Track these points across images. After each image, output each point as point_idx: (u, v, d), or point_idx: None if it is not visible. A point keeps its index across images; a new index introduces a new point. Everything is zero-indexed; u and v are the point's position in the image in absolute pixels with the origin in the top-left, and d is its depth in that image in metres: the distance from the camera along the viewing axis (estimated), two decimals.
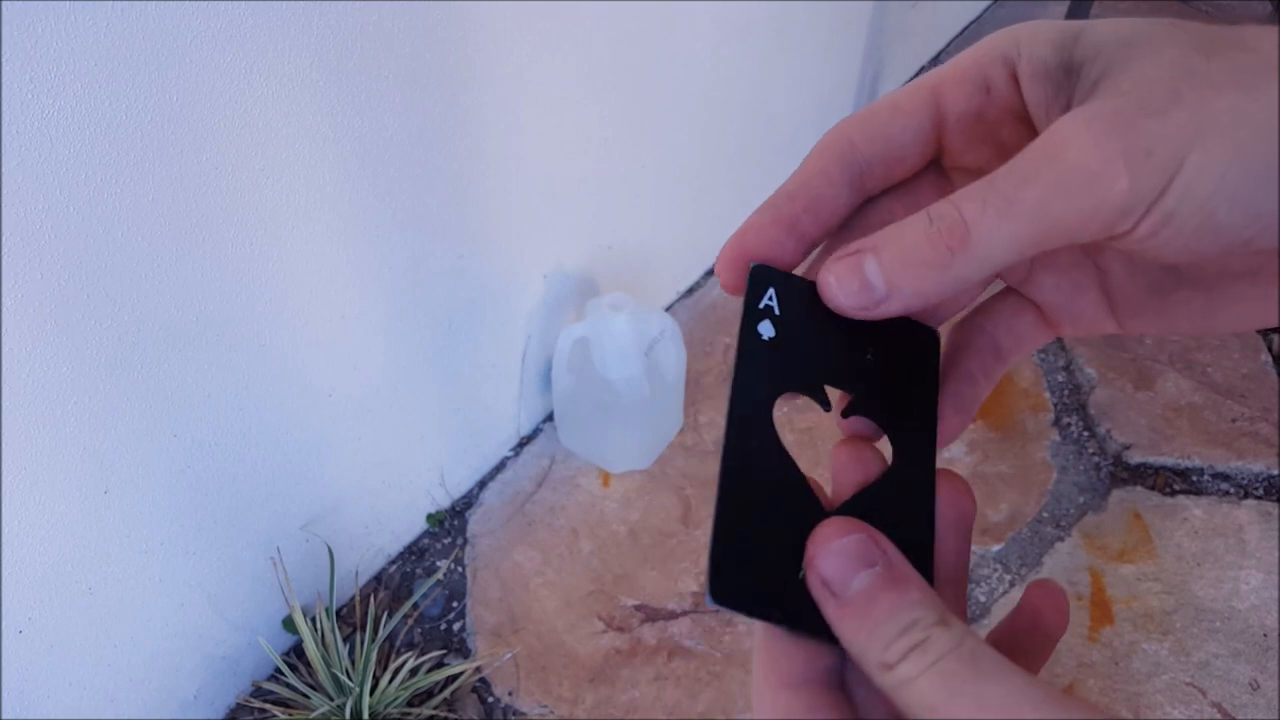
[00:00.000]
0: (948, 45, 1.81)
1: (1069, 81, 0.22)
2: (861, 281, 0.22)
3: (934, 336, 0.26)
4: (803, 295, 0.24)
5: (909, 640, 0.19)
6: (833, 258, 0.23)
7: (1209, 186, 0.20)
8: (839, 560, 0.21)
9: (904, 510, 0.23)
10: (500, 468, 1.25)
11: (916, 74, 1.76)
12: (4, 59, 0.57)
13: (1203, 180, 0.20)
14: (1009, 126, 0.24)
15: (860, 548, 0.21)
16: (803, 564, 0.21)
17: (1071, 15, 1.35)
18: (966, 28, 1.84)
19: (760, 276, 0.24)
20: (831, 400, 0.25)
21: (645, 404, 1.14)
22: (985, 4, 1.88)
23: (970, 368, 0.27)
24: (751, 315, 0.24)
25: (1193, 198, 0.20)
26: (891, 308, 0.23)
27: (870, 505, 0.23)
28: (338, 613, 1.10)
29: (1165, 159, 0.20)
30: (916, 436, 0.24)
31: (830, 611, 0.21)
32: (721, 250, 0.25)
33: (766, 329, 0.24)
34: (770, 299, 0.24)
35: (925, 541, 0.23)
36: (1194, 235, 0.21)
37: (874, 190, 0.25)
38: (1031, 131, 0.23)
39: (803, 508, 0.23)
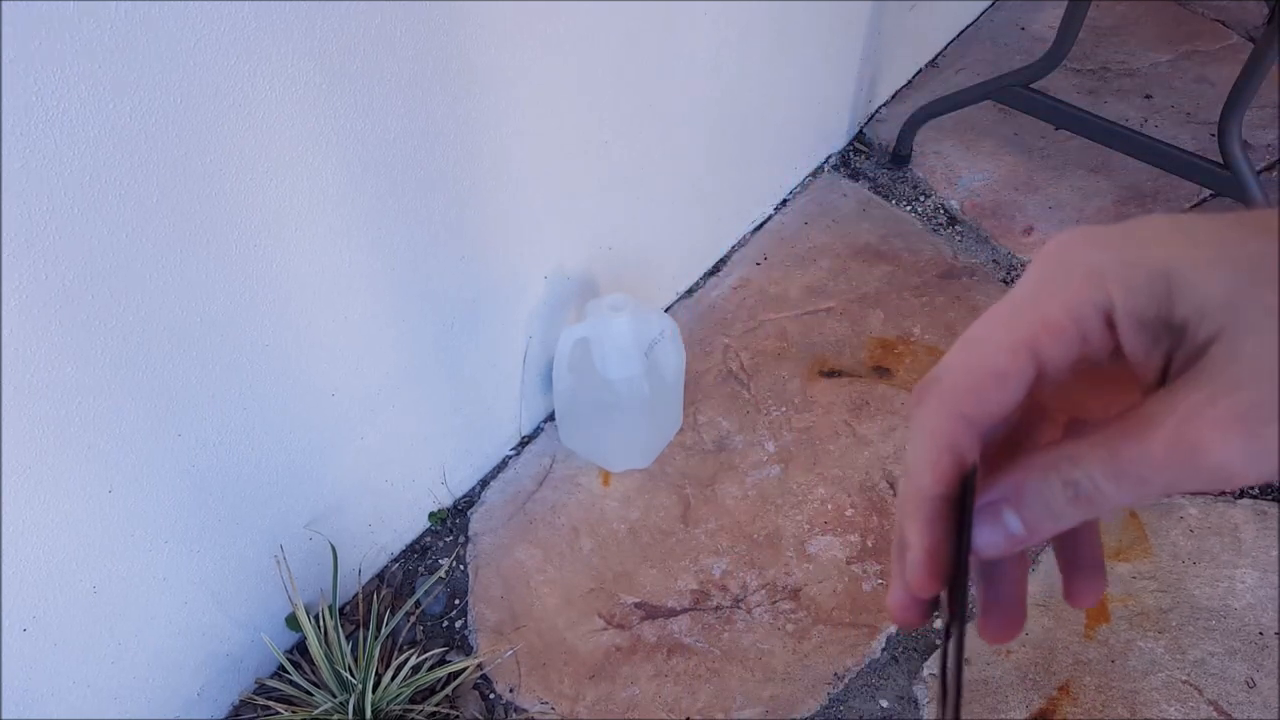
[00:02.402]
0: (946, 47, 1.82)
1: (1170, 335, 0.23)
2: (1005, 534, 0.25)
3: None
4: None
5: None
6: (976, 512, 0.25)
7: None
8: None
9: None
10: (502, 467, 1.26)
11: (915, 75, 1.77)
12: (8, 60, 0.57)
13: None
14: (1102, 358, 0.25)
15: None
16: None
17: (1069, 17, 1.36)
18: (964, 29, 1.85)
19: (970, 486, 0.25)
20: None
21: (645, 404, 1.14)
22: (983, 6, 1.88)
23: (1087, 549, 0.30)
24: (967, 533, 0.25)
25: None
26: (1029, 545, 0.25)
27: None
28: (341, 610, 1.10)
29: None
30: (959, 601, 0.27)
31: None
32: (914, 581, 0.27)
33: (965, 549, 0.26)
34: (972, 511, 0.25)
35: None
36: None
37: (987, 430, 0.27)
38: (1122, 358, 0.25)
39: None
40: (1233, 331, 0.22)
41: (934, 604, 0.27)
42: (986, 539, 0.25)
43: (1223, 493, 1.21)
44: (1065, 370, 0.25)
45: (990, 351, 0.25)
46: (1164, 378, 0.24)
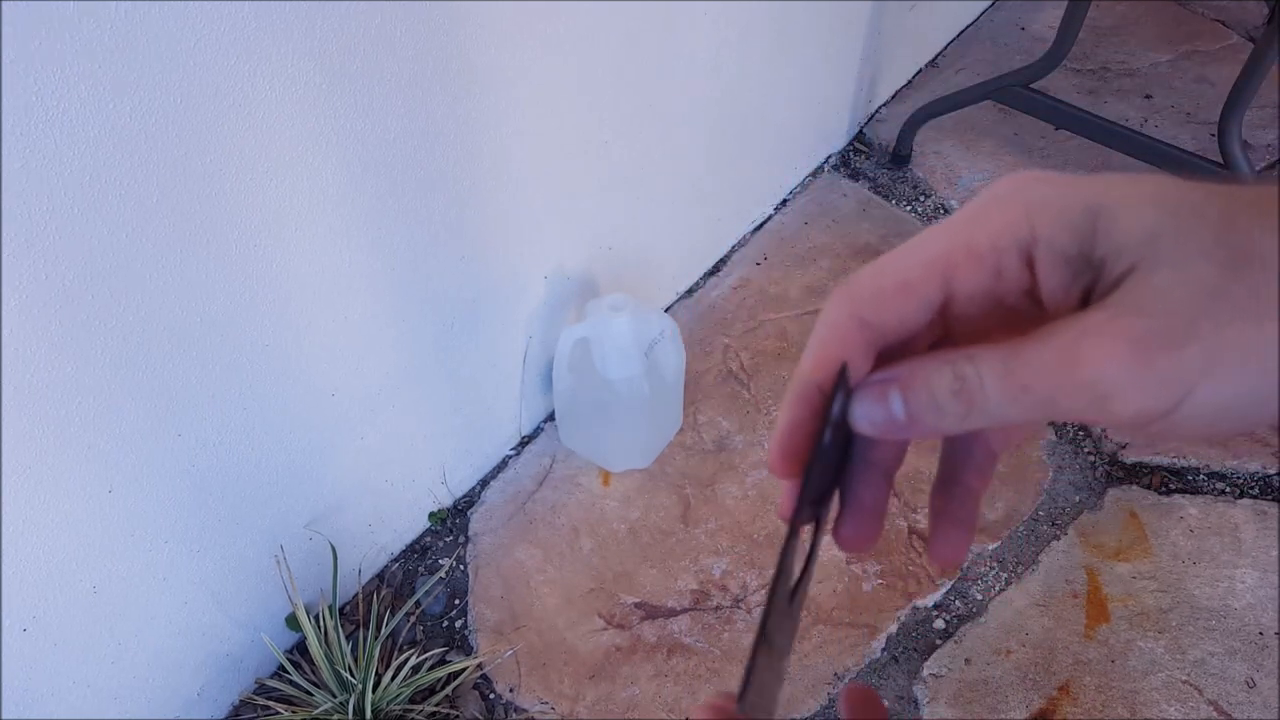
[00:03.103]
0: (946, 47, 1.82)
1: (1089, 271, 0.23)
2: (887, 413, 0.25)
3: (851, 438, 0.28)
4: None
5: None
6: (862, 384, 0.25)
7: (1212, 413, 0.22)
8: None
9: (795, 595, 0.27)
10: (502, 467, 1.26)
11: (915, 75, 1.77)
12: (8, 60, 0.57)
13: (1208, 407, 0.22)
14: (1015, 297, 0.25)
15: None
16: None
17: (1069, 17, 1.36)
18: (964, 29, 1.85)
19: (842, 384, 0.25)
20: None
21: (645, 404, 1.14)
22: (983, 6, 1.88)
23: (970, 482, 0.29)
24: (829, 422, 0.25)
25: (1196, 418, 0.22)
26: (906, 435, 0.25)
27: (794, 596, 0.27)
28: (341, 610, 1.10)
29: (1176, 390, 0.22)
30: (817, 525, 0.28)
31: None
32: (770, 456, 0.27)
33: (827, 435, 0.26)
34: (839, 404, 0.25)
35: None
36: (1189, 436, 0.23)
37: (886, 345, 0.27)
38: (1037, 301, 0.25)
39: (782, 609, 0.26)
40: (1149, 264, 0.22)
41: (814, 510, 0.27)
42: (865, 413, 0.25)
43: (1222, 493, 1.21)
44: (975, 302, 0.25)
45: (904, 264, 0.25)
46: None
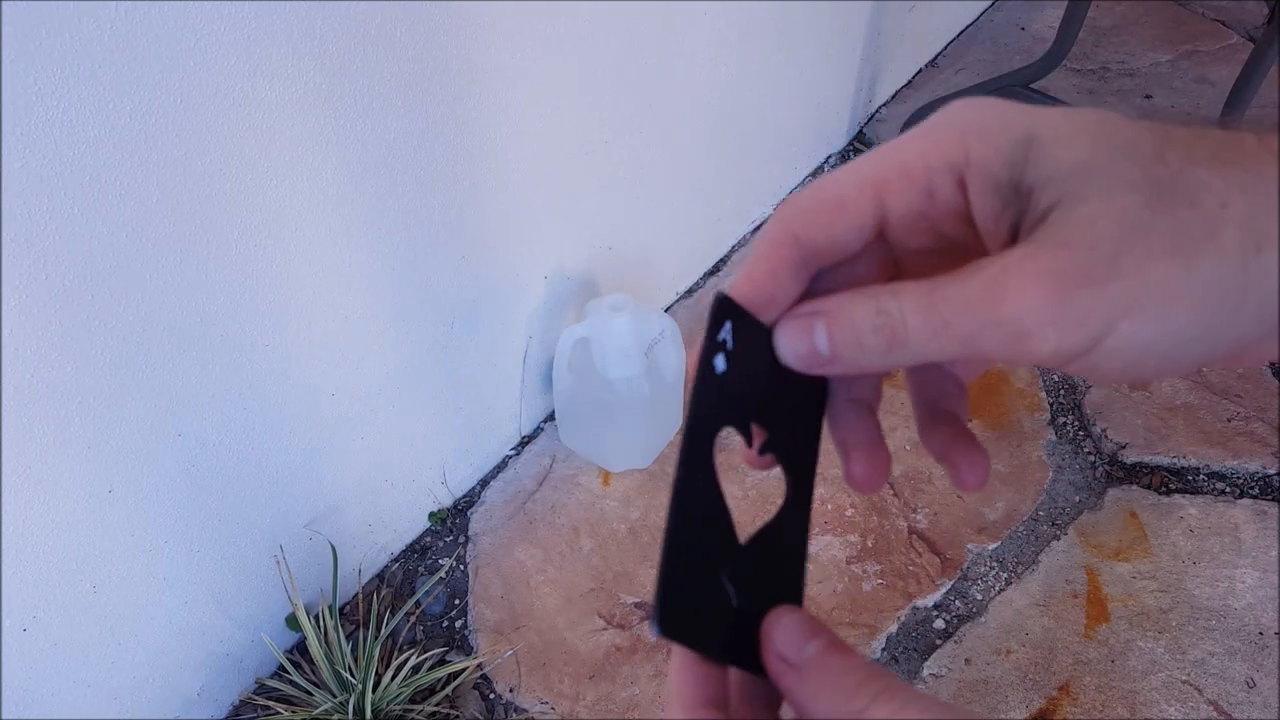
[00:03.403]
0: (946, 47, 1.82)
1: (1018, 200, 0.23)
2: (810, 346, 0.25)
3: (824, 386, 0.28)
4: (753, 334, 0.26)
5: (871, 689, 0.22)
6: (787, 315, 0.25)
7: (1134, 352, 0.22)
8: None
9: (785, 547, 0.27)
10: (502, 467, 1.26)
11: (915, 76, 1.77)
12: (8, 60, 0.57)
13: (1130, 347, 0.22)
14: (951, 223, 0.25)
15: (806, 625, 0.24)
16: (731, 599, 0.25)
17: (1069, 17, 1.36)
18: (964, 30, 1.85)
19: (722, 308, 0.25)
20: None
21: (645, 404, 1.14)
22: (983, 5, 1.88)
23: (953, 408, 0.29)
24: (710, 347, 0.25)
25: (1117, 357, 0.22)
26: (831, 370, 0.25)
27: (765, 541, 0.26)
28: (341, 610, 1.10)
29: (1096, 328, 0.21)
30: (804, 477, 0.28)
31: (789, 678, 0.24)
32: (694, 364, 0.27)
33: (720, 362, 0.25)
34: (726, 332, 0.25)
35: (797, 576, 0.27)
36: (1111, 377, 0.23)
37: (822, 266, 0.27)
38: (974, 230, 0.24)
39: (727, 543, 0.25)
40: (1076, 197, 0.22)
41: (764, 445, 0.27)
42: (790, 345, 0.25)
43: (1222, 493, 1.21)
44: (911, 225, 0.25)
45: (840, 183, 0.25)
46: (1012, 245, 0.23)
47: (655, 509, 1.21)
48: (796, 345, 0.25)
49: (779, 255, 0.25)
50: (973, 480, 0.28)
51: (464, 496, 1.23)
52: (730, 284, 0.26)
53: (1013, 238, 0.23)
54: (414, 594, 1.13)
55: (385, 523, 1.14)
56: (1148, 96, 1.72)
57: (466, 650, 1.11)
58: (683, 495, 0.25)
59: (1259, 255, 0.21)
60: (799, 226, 0.25)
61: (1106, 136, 0.22)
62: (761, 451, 0.27)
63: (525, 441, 1.28)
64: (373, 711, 0.98)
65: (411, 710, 1.01)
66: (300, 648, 1.07)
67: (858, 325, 0.24)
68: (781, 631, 0.25)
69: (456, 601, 1.15)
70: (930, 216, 0.25)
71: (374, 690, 0.99)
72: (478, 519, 1.21)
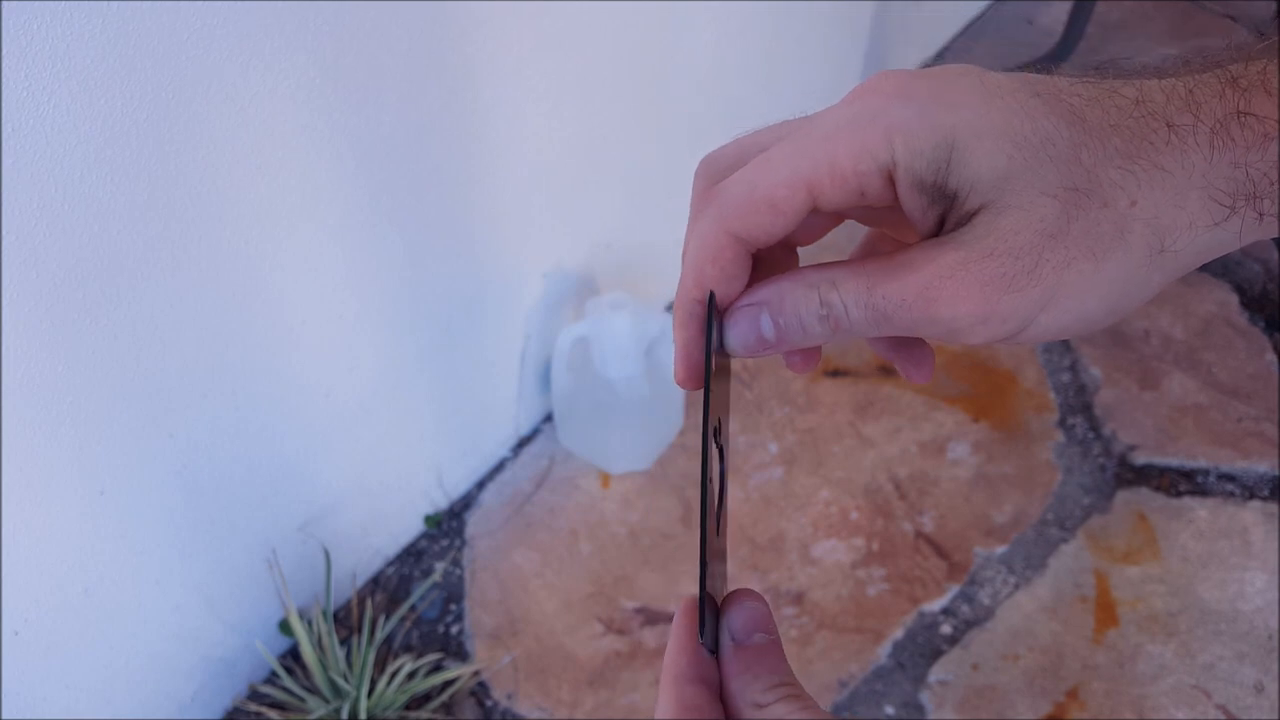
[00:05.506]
0: (949, 44, 1.80)
1: (943, 200, 0.25)
2: (757, 334, 0.27)
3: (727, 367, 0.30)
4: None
5: (783, 690, 0.25)
6: (734, 307, 0.27)
7: (1050, 334, 0.26)
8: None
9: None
10: (499, 468, 1.25)
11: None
12: (4, 56, 0.57)
13: (1047, 331, 0.26)
14: (883, 209, 0.27)
15: (765, 617, 0.27)
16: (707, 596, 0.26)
17: (1074, 17, 1.35)
18: (968, 25, 1.83)
19: (712, 310, 0.27)
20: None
21: (645, 404, 1.13)
22: (986, 1, 1.87)
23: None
24: (709, 347, 0.27)
25: (1035, 337, 0.26)
26: (774, 352, 0.28)
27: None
28: (335, 615, 1.09)
29: (1019, 323, 0.25)
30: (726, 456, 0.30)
31: (728, 652, 0.26)
32: (676, 374, 0.29)
33: (712, 364, 0.27)
34: (713, 329, 0.27)
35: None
36: (1028, 344, 0.25)
37: (760, 249, 0.28)
38: (904, 215, 0.26)
39: (711, 540, 0.27)
40: (998, 207, 0.24)
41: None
42: (739, 338, 0.27)
43: (1232, 495, 1.19)
44: (842, 208, 0.27)
45: (772, 181, 0.26)
46: (939, 232, 0.26)
47: (655, 512, 1.20)
48: (746, 336, 0.27)
49: (721, 253, 0.27)
50: (920, 374, 0.30)
51: (460, 499, 1.22)
52: (681, 283, 0.28)
53: (939, 226, 0.26)
54: (409, 599, 1.12)
55: (380, 526, 1.13)
56: None
57: (463, 656, 1.09)
58: (706, 502, 0.26)
59: (1161, 255, 0.24)
60: (738, 228, 0.27)
61: (1025, 139, 0.24)
62: (715, 437, 0.28)
63: (523, 443, 1.27)
64: (367, 718, 0.96)
65: (407, 717, 1.00)
66: (294, 653, 1.06)
67: (802, 315, 0.26)
68: (741, 613, 0.27)
69: (452, 606, 1.13)
70: (862, 205, 0.27)
71: (368, 697, 0.98)
72: (474, 522, 1.20)
